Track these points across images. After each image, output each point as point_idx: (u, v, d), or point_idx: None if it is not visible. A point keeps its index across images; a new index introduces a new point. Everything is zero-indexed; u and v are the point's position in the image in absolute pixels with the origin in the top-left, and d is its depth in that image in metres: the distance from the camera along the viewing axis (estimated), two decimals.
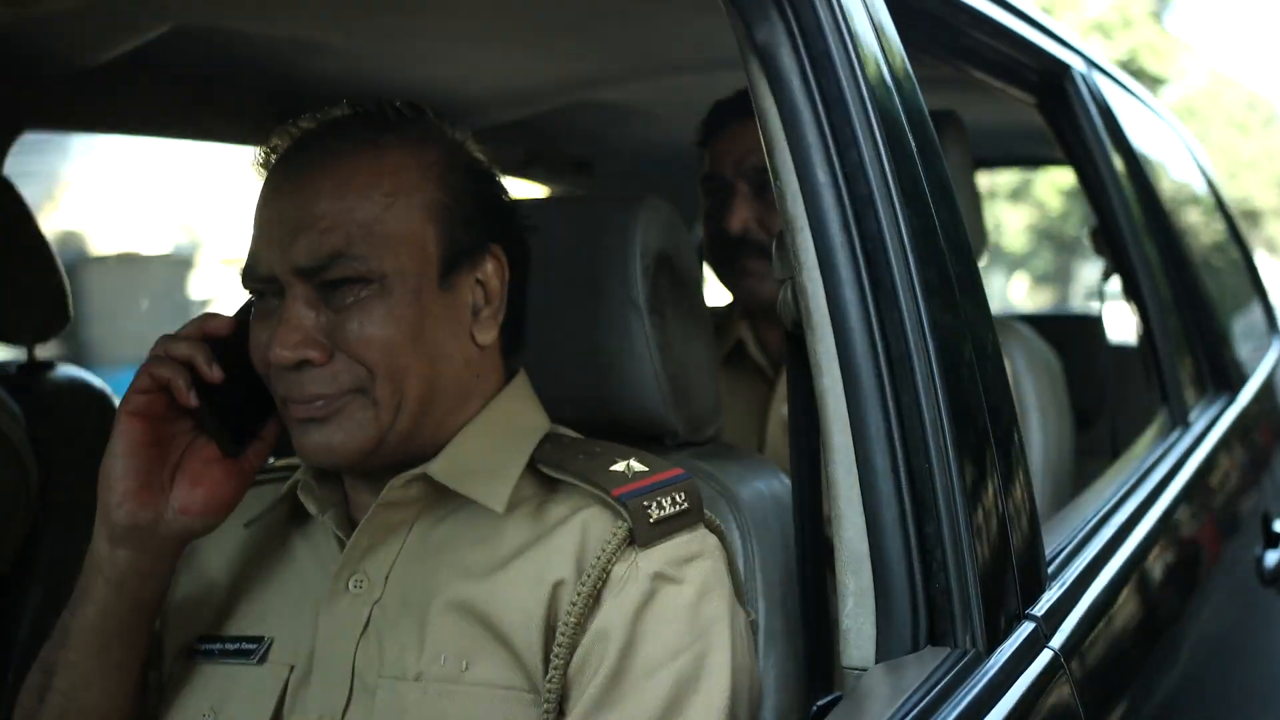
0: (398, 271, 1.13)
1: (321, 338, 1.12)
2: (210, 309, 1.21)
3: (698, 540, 1.15)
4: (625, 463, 1.17)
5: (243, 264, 1.16)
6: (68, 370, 1.86)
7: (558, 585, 1.11)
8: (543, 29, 1.86)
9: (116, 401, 1.82)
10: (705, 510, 1.18)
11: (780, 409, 1.93)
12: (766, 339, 1.97)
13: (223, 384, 1.16)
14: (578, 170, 2.70)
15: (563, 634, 1.10)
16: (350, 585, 1.17)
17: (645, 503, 1.13)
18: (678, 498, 1.15)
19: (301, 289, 1.12)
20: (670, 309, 1.31)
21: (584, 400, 1.28)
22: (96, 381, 1.84)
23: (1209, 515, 2.11)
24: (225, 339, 1.17)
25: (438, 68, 1.99)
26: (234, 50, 1.80)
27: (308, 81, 1.95)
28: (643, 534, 1.12)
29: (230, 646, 1.21)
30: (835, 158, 1.15)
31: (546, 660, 1.10)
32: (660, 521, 1.13)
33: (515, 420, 1.22)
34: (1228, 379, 2.52)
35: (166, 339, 1.17)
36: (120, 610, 1.17)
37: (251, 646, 1.20)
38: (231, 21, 1.67)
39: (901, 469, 1.11)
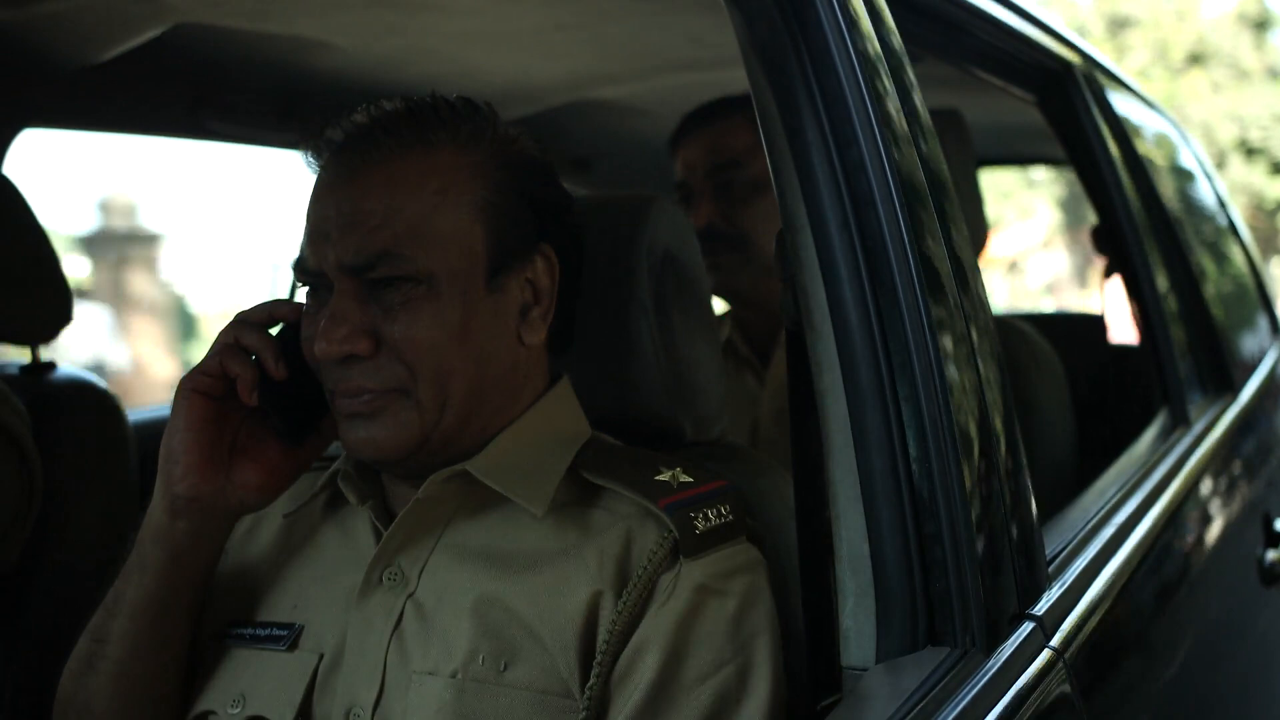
0: (445, 272, 1.13)
1: (368, 331, 1.12)
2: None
3: (742, 553, 1.15)
4: (670, 472, 1.17)
5: (295, 257, 1.17)
6: (70, 371, 1.86)
7: (599, 592, 1.11)
8: (543, 29, 1.87)
9: (118, 403, 1.82)
10: (749, 521, 1.18)
11: (771, 400, 1.96)
12: (750, 332, 2.02)
13: (287, 375, 1.17)
14: (577, 169, 2.70)
15: (606, 642, 1.09)
16: (384, 578, 1.17)
17: (691, 514, 1.13)
18: (723, 509, 1.15)
19: (350, 284, 1.13)
20: (677, 308, 1.31)
21: (590, 399, 1.28)
22: (99, 382, 1.83)
23: (1209, 515, 2.10)
24: (295, 332, 1.18)
25: (438, 67, 1.99)
26: (234, 50, 1.80)
27: (308, 81, 1.95)
28: (688, 546, 1.11)
29: (261, 632, 1.21)
30: (835, 156, 1.14)
31: (583, 667, 1.10)
32: (706, 534, 1.13)
33: (559, 423, 1.22)
34: (1228, 379, 2.51)
35: (238, 324, 1.18)
36: (176, 581, 1.19)
37: (282, 633, 1.20)
38: (231, 21, 1.67)
39: (901, 469, 1.11)
